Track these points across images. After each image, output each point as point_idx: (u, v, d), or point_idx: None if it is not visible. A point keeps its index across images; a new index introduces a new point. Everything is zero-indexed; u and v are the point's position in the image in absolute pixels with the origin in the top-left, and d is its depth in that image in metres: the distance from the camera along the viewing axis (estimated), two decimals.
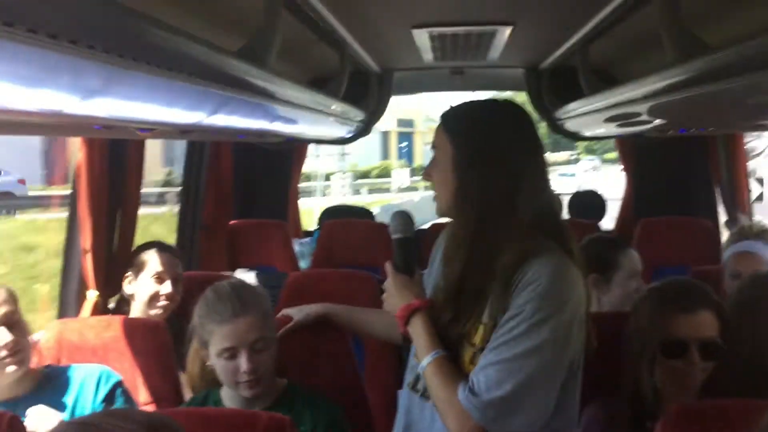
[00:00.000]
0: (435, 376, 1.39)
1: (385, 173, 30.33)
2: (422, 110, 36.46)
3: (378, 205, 14.21)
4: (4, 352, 1.76)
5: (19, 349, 1.79)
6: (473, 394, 1.32)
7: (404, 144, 37.74)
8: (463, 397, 1.33)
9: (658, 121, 2.51)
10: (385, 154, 36.05)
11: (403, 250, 1.57)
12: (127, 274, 2.49)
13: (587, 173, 32.04)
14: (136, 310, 2.45)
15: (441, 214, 1.49)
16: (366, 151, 30.07)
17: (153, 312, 2.43)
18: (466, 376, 1.36)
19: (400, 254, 1.57)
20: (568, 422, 1.44)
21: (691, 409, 1.45)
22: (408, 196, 21.94)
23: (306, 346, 1.99)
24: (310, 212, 10.50)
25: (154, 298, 2.44)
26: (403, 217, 1.61)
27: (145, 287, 2.45)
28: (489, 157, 1.39)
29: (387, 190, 26.78)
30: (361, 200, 20.49)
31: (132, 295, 2.48)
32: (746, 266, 2.36)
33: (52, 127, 1.46)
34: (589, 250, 2.37)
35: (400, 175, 28.12)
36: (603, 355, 1.92)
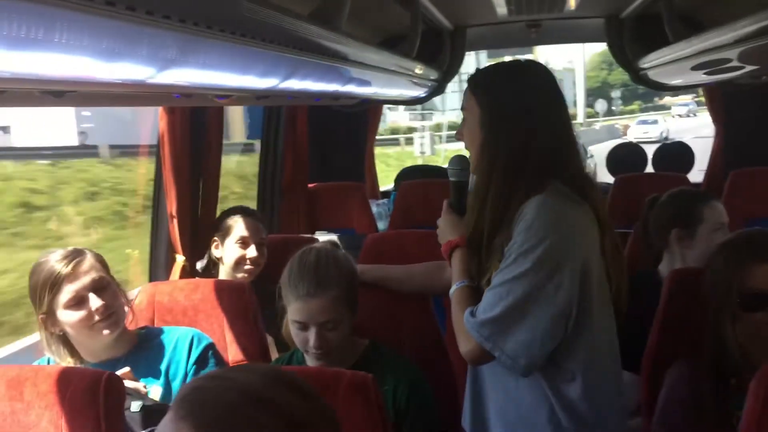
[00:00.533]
0: (456, 302, 1.57)
1: None
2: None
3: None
4: (96, 317, 1.82)
5: (111, 313, 1.85)
6: (472, 316, 1.49)
7: None
8: (467, 319, 1.50)
9: (749, 67, 2.37)
10: None
11: (458, 191, 1.70)
12: (214, 239, 2.58)
13: (678, 119, 30.65)
14: (223, 274, 2.55)
15: (473, 171, 1.62)
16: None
17: (239, 275, 2.52)
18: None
19: (455, 195, 1.70)
20: (583, 366, 1.50)
21: None
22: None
23: (390, 313, 2.01)
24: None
25: (240, 262, 2.52)
26: (460, 161, 1.70)
27: (231, 251, 2.53)
28: (508, 115, 1.51)
29: None
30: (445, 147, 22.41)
31: (220, 259, 2.57)
32: None
33: (134, 98, 1.51)
34: (671, 204, 2.29)
35: None
36: (686, 313, 1.89)
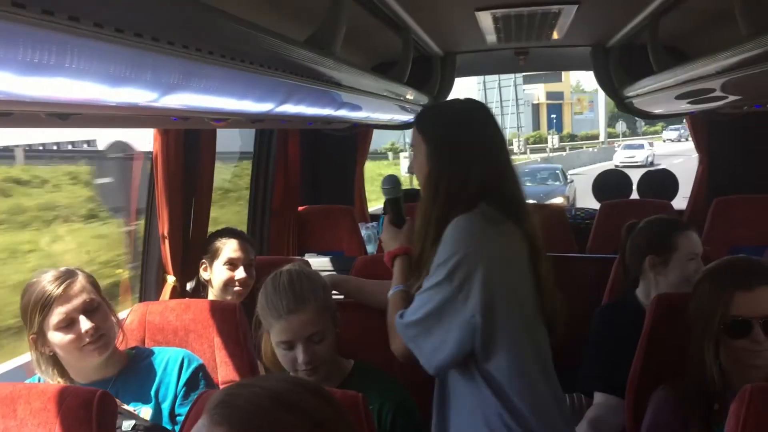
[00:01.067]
0: (392, 304, 1.78)
1: (538, 140, 40.60)
2: (569, 83, 44.66)
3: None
4: (86, 339, 1.82)
5: (101, 335, 1.84)
6: (401, 318, 1.67)
7: (553, 115, 46.04)
8: (397, 320, 1.68)
9: (732, 97, 2.43)
10: (537, 125, 45.27)
11: (394, 207, 1.91)
12: (202, 261, 2.59)
13: (670, 144, 30.79)
14: (212, 296, 2.56)
15: (422, 197, 1.77)
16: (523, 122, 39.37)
17: (228, 297, 2.53)
18: None
19: (392, 210, 1.91)
20: (502, 371, 1.63)
21: (764, 388, 1.43)
22: (557, 154, 31.00)
23: (378, 334, 2.03)
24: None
25: (228, 284, 2.54)
26: (392, 180, 1.93)
27: (220, 273, 2.55)
28: (448, 149, 1.69)
29: (543, 150, 36.45)
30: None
31: (209, 281, 2.58)
32: None
33: (134, 120, 1.54)
34: (646, 231, 2.33)
35: (552, 140, 38.19)
36: (669, 337, 1.92)
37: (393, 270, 1.85)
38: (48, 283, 1.81)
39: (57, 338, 1.80)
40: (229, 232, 2.62)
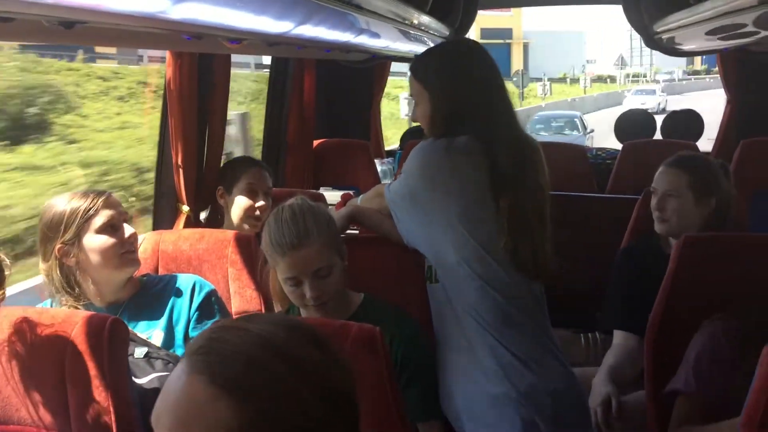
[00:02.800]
0: (373, 198, 2.00)
1: None
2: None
3: None
4: (126, 246, 1.84)
5: (135, 249, 1.87)
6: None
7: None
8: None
9: (765, 32, 2.31)
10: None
11: None
12: (219, 188, 2.53)
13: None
14: (230, 224, 2.50)
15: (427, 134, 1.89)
16: None
17: (246, 225, 2.46)
18: None
19: None
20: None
21: None
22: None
23: (395, 267, 2.00)
24: None
25: (248, 211, 2.46)
26: None
27: (239, 201, 2.47)
28: (444, 88, 1.81)
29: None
30: None
31: (226, 209, 2.52)
32: None
33: (144, 38, 1.46)
34: None
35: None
36: (693, 278, 1.88)
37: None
38: (85, 195, 1.83)
39: (99, 241, 1.81)
40: (247, 160, 2.56)
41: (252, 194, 2.47)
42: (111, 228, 1.82)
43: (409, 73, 1.88)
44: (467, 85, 1.81)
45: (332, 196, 3.46)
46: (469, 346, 1.77)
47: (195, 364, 0.80)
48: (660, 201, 2.26)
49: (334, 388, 0.85)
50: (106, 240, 1.81)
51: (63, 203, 1.82)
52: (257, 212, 2.47)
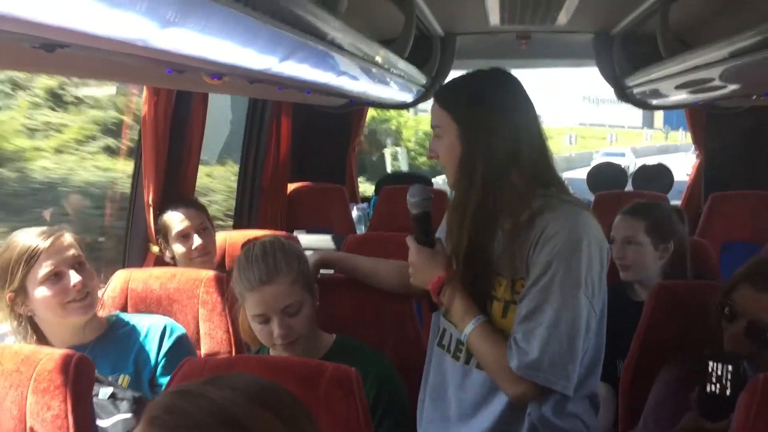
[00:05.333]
0: (482, 340, 1.49)
1: None
2: None
3: None
4: (72, 295, 1.75)
5: (87, 293, 1.79)
6: (522, 355, 1.42)
7: None
8: (516, 361, 1.42)
9: (733, 86, 2.38)
10: None
11: (423, 224, 1.57)
12: (159, 242, 2.48)
13: None
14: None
15: (452, 187, 1.55)
16: None
17: (199, 266, 2.41)
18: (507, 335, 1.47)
19: (421, 227, 1.57)
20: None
21: None
22: None
23: (372, 312, 1.97)
24: None
25: (188, 256, 2.42)
26: (421, 191, 1.57)
27: (177, 249, 2.43)
28: (488, 124, 1.47)
29: None
30: None
31: (172, 259, 2.47)
32: None
33: (126, 70, 1.45)
34: None
35: None
36: (666, 325, 1.89)
37: (445, 300, 1.54)
38: (35, 236, 1.74)
39: (42, 293, 1.73)
40: (171, 204, 2.48)
41: (185, 239, 2.43)
42: (54, 277, 1.74)
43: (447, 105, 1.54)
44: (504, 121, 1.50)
45: (306, 239, 3.44)
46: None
47: (146, 428, 0.78)
48: (620, 249, 2.30)
49: None
50: (46, 292, 1.73)
51: (13, 244, 1.74)
52: (196, 254, 2.42)
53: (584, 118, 40.47)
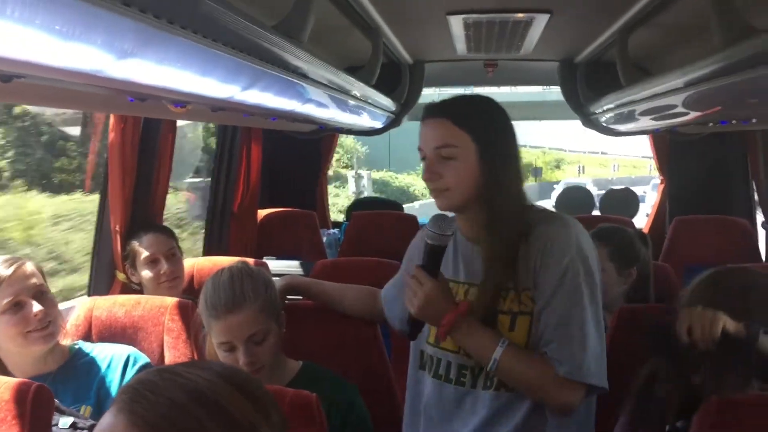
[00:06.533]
0: (517, 360, 1.50)
1: None
2: None
3: None
4: (33, 325, 1.74)
5: (49, 322, 1.77)
6: (564, 366, 1.47)
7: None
8: (563, 372, 1.47)
9: (697, 113, 2.45)
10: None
11: (435, 255, 1.56)
12: (126, 267, 2.46)
13: None
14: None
15: (451, 209, 1.56)
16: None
17: (167, 292, 2.40)
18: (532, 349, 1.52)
19: (432, 259, 1.55)
20: None
21: (729, 402, 1.40)
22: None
23: (337, 338, 1.98)
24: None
25: (155, 281, 2.41)
26: (447, 224, 1.54)
27: (144, 275, 2.42)
28: (507, 146, 1.55)
29: None
30: None
31: (140, 285, 2.46)
32: None
33: (87, 99, 1.46)
34: None
35: None
36: (629, 350, 1.91)
37: (463, 333, 1.54)
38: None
39: (2, 323, 1.72)
40: (139, 230, 2.48)
41: (153, 264, 2.42)
42: (15, 306, 1.73)
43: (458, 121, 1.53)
44: (514, 142, 1.58)
45: (275, 265, 3.43)
46: None
47: (121, 404, 0.80)
48: None
49: None
50: (7, 321, 1.72)
51: None
52: (163, 279, 2.41)
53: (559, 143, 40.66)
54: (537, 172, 34.29)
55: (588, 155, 37.77)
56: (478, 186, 1.52)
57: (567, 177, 32.62)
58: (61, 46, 0.86)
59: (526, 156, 34.73)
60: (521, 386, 1.53)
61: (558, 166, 38.68)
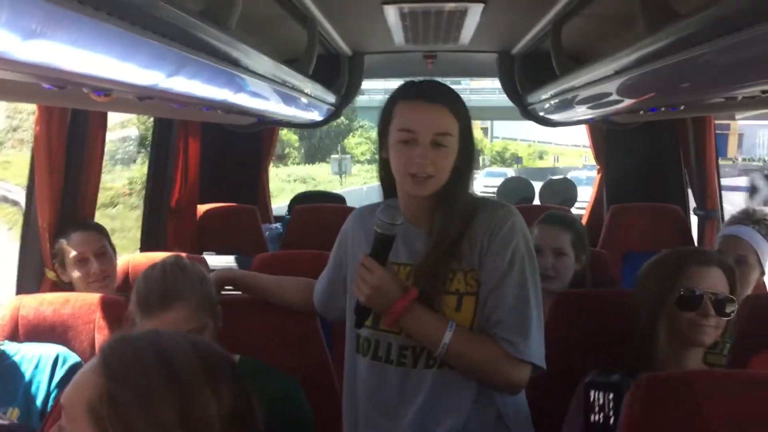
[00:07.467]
0: (468, 342, 1.53)
1: None
2: None
3: None
4: None
5: None
6: (513, 344, 1.51)
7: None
8: (511, 351, 1.51)
9: (628, 101, 2.50)
10: None
11: (385, 245, 1.56)
12: (54, 267, 2.38)
13: None
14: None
15: (426, 195, 1.55)
16: None
17: (97, 291, 2.33)
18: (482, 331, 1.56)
19: (382, 249, 1.56)
20: None
21: (658, 378, 1.43)
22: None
23: (276, 331, 1.95)
24: None
25: (84, 281, 2.33)
26: (395, 214, 1.55)
27: (74, 275, 2.34)
28: (473, 136, 1.60)
29: None
30: None
31: (70, 284, 2.37)
32: (730, 250, 2.35)
33: (1, 88, 1.39)
34: None
35: None
36: (568, 333, 1.94)
37: (411, 317, 1.54)
38: None
39: None
40: (67, 228, 2.39)
41: (82, 264, 2.34)
42: None
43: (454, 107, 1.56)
44: None
45: (214, 260, 3.37)
46: None
47: (102, 347, 0.95)
48: (548, 258, 2.31)
49: (197, 415, 0.90)
50: None
51: None
52: (93, 278, 2.33)
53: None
54: (519, 160, 40.61)
55: (571, 148, 41.14)
56: (451, 173, 1.55)
57: (545, 165, 37.68)
58: None
59: (514, 147, 42.24)
60: (469, 368, 1.55)
61: (541, 157, 43.41)
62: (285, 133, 28.25)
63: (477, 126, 37.59)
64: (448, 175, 1.54)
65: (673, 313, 1.69)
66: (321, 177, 28.40)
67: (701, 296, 1.66)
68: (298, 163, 31.79)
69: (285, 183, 23.85)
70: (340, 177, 26.57)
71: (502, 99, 4.37)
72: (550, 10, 2.82)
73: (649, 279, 1.77)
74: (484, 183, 23.85)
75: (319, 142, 33.38)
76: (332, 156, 28.10)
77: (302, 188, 22.03)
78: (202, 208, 3.96)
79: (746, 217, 2.47)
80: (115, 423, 0.88)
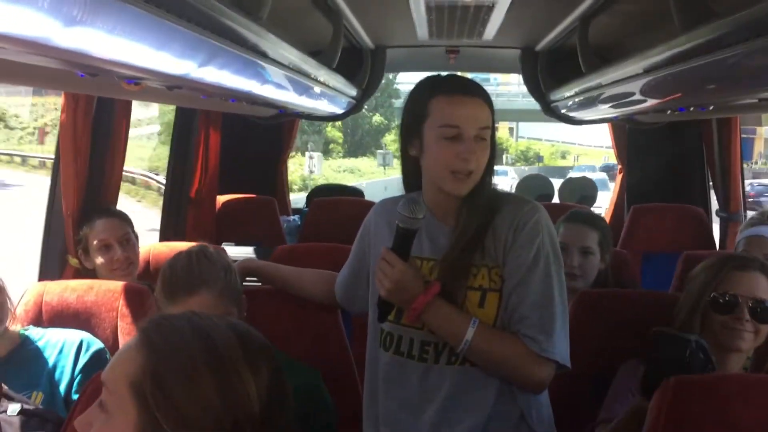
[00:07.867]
0: (490, 339, 1.51)
1: None
2: None
3: None
4: None
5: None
6: (537, 342, 1.49)
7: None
8: (535, 349, 1.49)
9: (655, 100, 2.47)
10: None
11: (407, 239, 1.54)
12: (78, 254, 2.39)
13: None
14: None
15: (464, 193, 1.54)
16: None
17: (120, 278, 2.34)
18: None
19: (404, 243, 1.53)
20: None
21: (685, 380, 1.42)
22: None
23: (297, 322, 1.95)
24: None
25: (107, 267, 2.34)
26: (419, 208, 1.52)
27: (97, 260, 2.35)
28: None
29: None
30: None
31: (93, 271, 2.38)
32: (756, 250, 2.33)
33: (36, 74, 1.40)
34: None
35: None
36: (590, 334, 1.93)
37: (434, 313, 1.53)
38: None
39: None
40: (92, 214, 2.40)
41: (106, 250, 2.34)
42: None
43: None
44: None
45: (233, 251, 3.38)
46: None
47: (143, 326, 0.99)
48: (576, 257, 2.28)
49: (237, 392, 0.93)
50: None
51: None
52: (116, 266, 2.33)
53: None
54: (540, 159, 43.34)
55: (594, 148, 42.53)
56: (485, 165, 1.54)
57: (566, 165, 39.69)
58: (4, 10, 0.82)
59: (538, 147, 44.69)
60: (492, 365, 1.54)
61: (563, 157, 45.25)
62: (330, 130, 33.14)
63: (504, 126, 39.57)
64: (483, 170, 1.53)
65: (708, 316, 1.67)
66: (365, 168, 31.91)
67: (736, 299, 1.64)
68: (342, 157, 34.78)
69: (336, 173, 27.73)
70: (384, 168, 28.94)
71: (527, 102, 4.35)
72: (579, 6, 2.79)
73: (692, 281, 1.75)
74: None
75: (361, 138, 36.12)
76: (378, 151, 31.27)
77: (351, 177, 26.34)
78: (221, 199, 3.98)
79: (766, 218, 2.45)
80: (158, 398, 0.90)
